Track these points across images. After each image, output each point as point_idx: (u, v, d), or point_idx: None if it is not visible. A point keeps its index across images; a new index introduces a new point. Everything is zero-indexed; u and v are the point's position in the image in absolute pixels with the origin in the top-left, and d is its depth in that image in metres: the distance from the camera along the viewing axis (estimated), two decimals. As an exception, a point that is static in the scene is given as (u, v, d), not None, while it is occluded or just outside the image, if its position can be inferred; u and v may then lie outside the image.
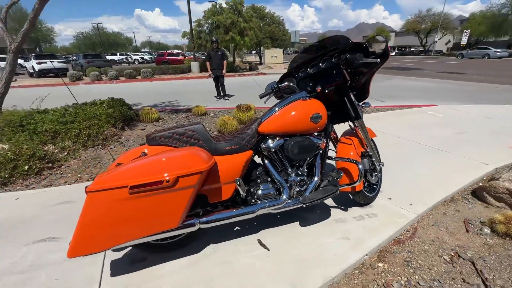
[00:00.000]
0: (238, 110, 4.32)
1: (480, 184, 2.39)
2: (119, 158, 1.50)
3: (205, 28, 15.58)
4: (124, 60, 30.41)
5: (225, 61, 6.83)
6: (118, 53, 34.12)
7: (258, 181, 1.71)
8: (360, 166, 1.76)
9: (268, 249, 1.65)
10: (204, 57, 12.06)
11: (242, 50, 20.62)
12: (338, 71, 1.72)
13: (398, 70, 16.04)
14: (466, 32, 25.95)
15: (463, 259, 1.60)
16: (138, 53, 41.18)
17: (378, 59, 1.57)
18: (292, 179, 1.73)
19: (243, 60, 23.39)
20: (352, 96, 1.78)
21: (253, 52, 34.77)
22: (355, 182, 1.78)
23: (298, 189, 1.74)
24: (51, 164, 2.96)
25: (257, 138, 1.67)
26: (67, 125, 3.63)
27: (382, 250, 1.68)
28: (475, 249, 1.68)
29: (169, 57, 21.43)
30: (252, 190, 1.68)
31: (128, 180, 1.18)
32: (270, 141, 1.69)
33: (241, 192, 1.57)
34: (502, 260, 1.59)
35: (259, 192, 1.67)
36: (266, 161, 1.71)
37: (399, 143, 3.40)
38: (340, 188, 1.80)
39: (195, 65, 15.16)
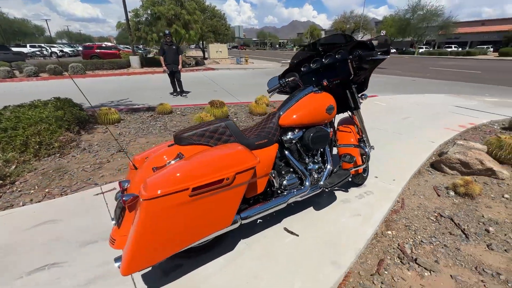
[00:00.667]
0: (212, 107, 4.21)
1: (433, 158, 2.97)
2: (148, 162, 1.37)
3: (143, 19, 14.29)
4: (38, 53, 25.51)
5: (180, 56, 6.49)
6: (28, 45, 28.37)
7: (283, 172, 1.78)
8: (367, 150, 2.00)
9: (297, 235, 1.75)
10: (149, 51, 11.10)
11: (186, 44, 19.68)
12: (343, 66, 1.90)
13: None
14: (383, 33, 30.46)
15: (444, 217, 2.01)
16: (55, 45, 35.10)
17: (387, 56, 1.80)
18: (311, 167, 1.86)
19: (186, 55, 22.39)
20: (354, 88, 2.00)
21: (193, 46, 33.51)
22: (361, 165, 2.02)
23: (316, 176, 1.88)
24: (1, 181, 2.41)
25: (280, 131, 1.74)
26: (7, 133, 2.97)
27: (386, 220, 1.97)
28: (448, 208, 2.12)
29: (100, 51, 18.92)
30: (278, 181, 1.75)
31: (188, 182, 1.12)
32: (290, 133, 1.78)
33: (275, 184, 1.62)
34: (468, 214, 2.05)
35: (285, 182, 1.75)
36: (286, 152, 1.79)
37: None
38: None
39: (135, 60, 13.83)
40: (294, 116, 1.75)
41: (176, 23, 13.56)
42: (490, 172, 2.49)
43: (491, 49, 34.92)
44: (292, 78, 2.02)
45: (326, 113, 1.82)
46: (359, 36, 39.50)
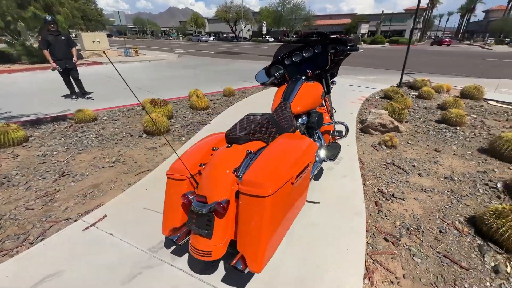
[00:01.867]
0: (156, 106, 3.81)
1: (360, 125, 3.95)
2: (218, 166, 1.32)
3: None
4: None
5: (74, 48, 5.27)
6: None
7: None
8: (346, 124, 2.52)
9: (319, 202, 2.10)
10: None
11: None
12: (322, 58, 2.30)
13: (230, 54, 18.54)
14: (264, 23, 33.74)
15: (389, 163, 2.85)
16: None
17: (360, 49, 2.29)
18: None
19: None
20: (328, 76, 2.44)
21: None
22: (344, 136, 2.54)
23: (318, 151, 2.25)
24: None
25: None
26: None
27: (362, 174, 2.61)
28: (387, 157, 3.00)
29: None
30: None
31: (291, 172, 1.23)
32: (300, 119, 2.05)
33: None
34: (399, 158, 2.97)
35: None
36: None
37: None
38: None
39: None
40: (302, 104, 2.02)
41: (33, 5, 10.38)
42: (396, 128, 3.62)
43: (339, 38, 45.12)
44: (282, 70, 2.27)
45: (321, 98, 2.20)
46: (242, 26, 42.14)
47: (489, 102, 5.33)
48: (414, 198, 2.26)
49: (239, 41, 42.25)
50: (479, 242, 1.81)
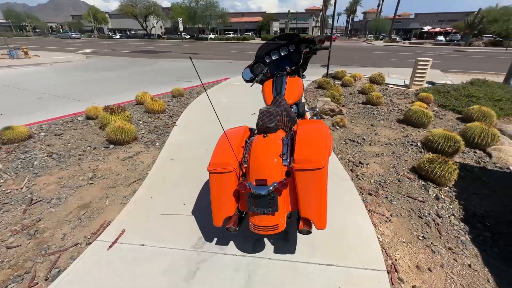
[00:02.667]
0: (113, 114, 3.44)
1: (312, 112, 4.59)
2: (265, 154, 1.51)
3: None
4: None
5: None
6: None
7: None
8: (317, 110, 2.98)
9: (314, 177, 2.50)
10: None
11: None
12: (296, 55, 2.66)
13: (149, 53, 17.27)
14: (180, 20, 32.21)
15: (346, 139, 3.51)
16: None
17: (329, 48, 2.73)
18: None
19: None
20: (300, 72, 2.84)
21: None
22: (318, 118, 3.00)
23: None
24: None
25: None
26: None
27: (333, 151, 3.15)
28: (343, 134, 3.67)
29: None
30: None
31: (328, 149, 1.53)
32: (292, 109, 2.38)
33: None
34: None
35: None
36: None
37: (253, 104, 4.91)
38: None
39: None
40: (293, 96, 2.36)
41: None
42: (341, 112, 4.40)
43: (254, 35, 47.58)
44: (266, 68, 2.54)
45: (302, 90, 2.58)
46: (154, 22, 39.26)
47: (389, 85, 6.94)
48: (374, 162, 2.94)
49: (152, 39, 39.23)
50: (422, 183, 2.57)
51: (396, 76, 8.45)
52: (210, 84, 7.05)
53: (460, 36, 36.47)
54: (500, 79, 7.33)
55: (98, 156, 2.90)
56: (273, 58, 2.65)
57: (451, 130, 3.30)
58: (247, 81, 2.78)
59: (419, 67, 6.44)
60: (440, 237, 1.92)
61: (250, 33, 46.42)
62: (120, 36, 47.74)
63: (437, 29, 49.35)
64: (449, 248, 1.82)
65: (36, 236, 1.82)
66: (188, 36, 42.69)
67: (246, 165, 1.60)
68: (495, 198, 2.37)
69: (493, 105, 4.69)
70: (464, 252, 1.80)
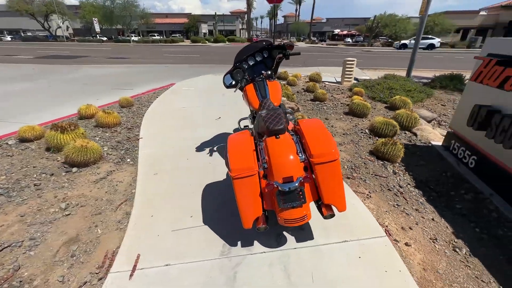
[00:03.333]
0: (65, 132, 2.95)
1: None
2: (283, 153, 1.65)
3: None
4: None
5: None
6: None
7: None
8: (290, 110, 3.22)
9: (301, 170, 2.75)
10: None
11: None
12: (269, 61, 2.85)
13: (66, 59, 14.93)
14: (96, 20, 28.32)
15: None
16: None
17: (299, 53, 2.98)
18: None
19: None
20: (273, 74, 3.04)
21: None
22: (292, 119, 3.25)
23: None
24: None
25: None
26: None
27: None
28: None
29: None
30: None
31: (335, 146, 1.77)
32: None
33: None
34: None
35: None
36: None
37: (211, 108, 4.92)
38: None
39: None
40: (276, 99, 2.54)
41: None
42: (298, 109, 4.82)
43: (182, 37, 45.90)
44: (246, 73, 2.65)
45: (281, 92, 2.79)
46: (60, 22, 33.68)
47: (325, 83, 7.87)
48: (340, 150, 3.40)
49: (59, 41, 33.52)
50: (381, 162, 3.13)
51: (327, 74, 9.59)
52: (156, 90, 6.63)
53: (362, 38, 43.20)
54: (400, 73, 9.17)
55: (61, 183, 2.49)
56: (250, 63, 2.79)
57: (388, 117, 4.06)
58: (228, 87, 2.85)
59: (347, 66, 7.51)
60: (407, 203, 2.43)
61: (178, 35, 44.56)
62: (11, 38, 39.21)
63: (345, 32, 57.38)
64: (416, 210, 2.33)
65: (25, 286, 1.52)
66: (105, 38, 38.12)
67: (265, 167, 1.71)
68: (429, 167, 3.09)
69: (406, 94, 5.91)
70: (426, 210, 2.32)
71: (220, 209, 2.15)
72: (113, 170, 2.75)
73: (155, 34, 42.19)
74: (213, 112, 4.69)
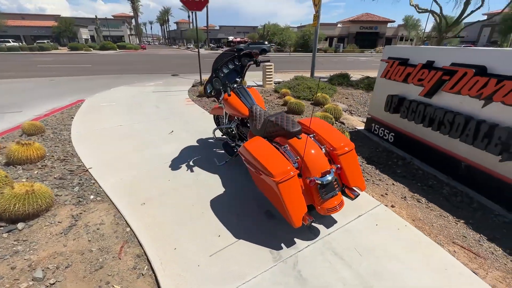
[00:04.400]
0: (25, 146, 2.04)
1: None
2: (312, 150, 1.81)
3: None
4: None
5: None
6: None
7: None
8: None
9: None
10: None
11: None
12: (242, 68, 2.91)
13: None
14: None
15: (270, 134, 4.19)
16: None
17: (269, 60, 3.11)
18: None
19: None
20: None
21: None
22: None
23: None
24: None
25: None
26: None
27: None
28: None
29: None
30: None
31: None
32: None
33: None
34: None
35: None
36: None
37: (152, 122, 4.48)
38: None
39: None
40: (261, 104, 2.66)
41: None
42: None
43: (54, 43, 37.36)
44: (226, 81, 2.63)
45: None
46: None
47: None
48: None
49: None
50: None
51: (253, 80, 10.19)
52: (63, 110, 5.36)
53: (256, 45, 47.29)
54: (304, 74, 10.80)
55: (10, 248, 1.77)
56: (225, 71, 2.78)
57: (317, 112, 4.82)
58: (209, 96, 2.78)
59: (267, 70, 8.25)
60: (371, 176, 3.04)
61: (46, 41, 35.89)
62: None
63: (239, 39, 61.42)
64: (379, 180, 2.96)
65: None
66: None
67: (296, 166, 1.83)
68: (365, 146, 3.92)
69: (320, 91, 7.09)
70: (385, 179, 2.99)
71: (242, 219, 2.10)
72: (80, 213, 2.16)
73: (10, 40, 32.63)
74: (159, 126, 4.27)
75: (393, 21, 41.60)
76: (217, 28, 71.05)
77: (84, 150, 3.34)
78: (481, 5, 8.71)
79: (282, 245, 1.85)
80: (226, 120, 3.17)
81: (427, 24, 37.11)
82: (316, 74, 9.71)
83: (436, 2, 9.60)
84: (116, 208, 2.23)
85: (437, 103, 3.17)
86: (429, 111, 3.23)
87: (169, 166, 2.94)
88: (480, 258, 1.85)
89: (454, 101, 2.95)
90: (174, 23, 72.52)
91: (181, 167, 2.94)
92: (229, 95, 2.60)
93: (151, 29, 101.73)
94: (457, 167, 2.97)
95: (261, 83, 8.84)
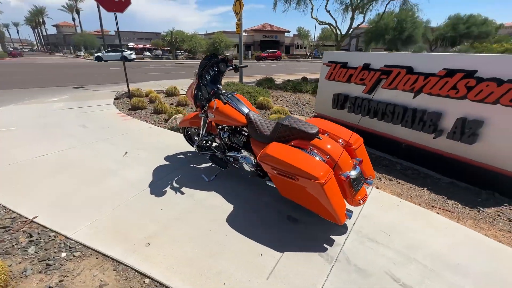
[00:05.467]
0: None
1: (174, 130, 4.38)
2: (335, 148, 1.90)
3: None
4: None
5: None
6: None
7: None
8: None
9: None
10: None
11: None
12: (220, 75, 2.72)
13: None
14: None
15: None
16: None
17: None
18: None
19: None
20: None
21: None
22: None
23: None
24: None
25: None
26: None
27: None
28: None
29: None
30: None
31: None
32: None
33: None
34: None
35: None
36: None
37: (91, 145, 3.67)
38: None
39: None
40: (253, 109, 2.58)
41: None
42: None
43: None
44: (211, 89, 2.44)
45: (249, 103, 2.79)
46: None
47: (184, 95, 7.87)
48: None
49: None
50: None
51: (175, 86, 9.53)
52: None
53: (161, 52, 44.69)
54: (233, 80, 11.00)
55: None
56: (208, 78, 2.57)
57: (273, 113, 5.08)
58: (198, 106, 2.54)
59: (200, 77, 7.96)
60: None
61: None
62: None
63: (141, 46, 56.46)
64: (352, 168, 3.36)
65: None
66: None
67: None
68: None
69: (259, 95, 7.39)
70: (355, 166, 3.41)
71: (270, 231, 1.99)
72: (60, 281, 1.54)
73: None
74: (104, 150, 3.51)
75: (289, 31, 47.44)
76: (112, 33, 63.24)
77: (5, 196, 2.38)
78: (363, 21, 11.08)
79: (325, 245, 1.87)
80: (203, 131, 2.92)
81: (315, 34, 44.05)
82: (245, 80, 10.05)
83: (331, 16, 11.60)
84: (113, 259, 1.71)
85: (378, 98, 3.85)
86: (373, 105, 3.90)
87: (151, 193, 2.46)
88: (454, 214, 2.39)
89: (391, 95, 3.67)
90: (54, 26, 59.95)
91: (166, 191, 2.51)
92: (225, 103, 2.41)
93: (17, 32, 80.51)
94: (399, 148, 3.70)
95: (194, 91, 8.46)
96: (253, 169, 2.43)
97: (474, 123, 2.86)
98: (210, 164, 3.15)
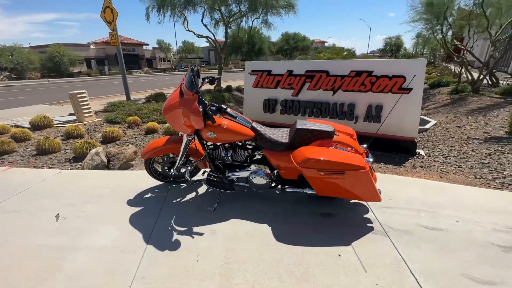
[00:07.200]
0: None
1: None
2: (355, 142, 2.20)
3: None
4: None
5: None
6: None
7: None
8: None
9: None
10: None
11: None
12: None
13: None
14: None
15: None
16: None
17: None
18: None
19: None
20: None
21: None
22: None
23: None
24: None
25: None
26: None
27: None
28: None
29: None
30: None
31: None
32: None
33: None
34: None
35: None
36: None
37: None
38: None
39: None
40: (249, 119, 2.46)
41: None
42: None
43: None
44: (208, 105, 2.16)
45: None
46: None
47: (61, 125, 5.95)
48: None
49: None
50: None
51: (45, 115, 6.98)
52: None
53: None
54: (115, 99, 9.30)
55: None
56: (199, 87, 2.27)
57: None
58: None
59: (80, 100, 6.24)
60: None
61: None
62: None
63: None
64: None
65: None
66: None
67: None
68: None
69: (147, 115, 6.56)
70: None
71: (322, 234, 2.05)
72: None
73: None
74: (11, 225, 2.23)
75: (147, 44, 44.70)
76: None
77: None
78: (238, 35, 12.25)
79: (368, 225, 2.13)
80: (183, 157, 2.49)
81: (177, 47, 43.92)
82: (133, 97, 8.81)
83: (208, 30, 12.09)
84: None
85: (304, 98, 4.55)
86: (302, 104, 4.57)
87: (160, 249, 1.85)
88: (399, 173, 3.29)
89: (316, 94, 4.45)
90: None
91: (178, 240, 1.96)
92: (235, 117, 2.18)
93: None
94: (329, 136, 4.56)
95: (73, 117, 6.54)
96: (269, 180, 2.33)
97: (377, 107, 4.01)
98: (191, 193, 2.70)
